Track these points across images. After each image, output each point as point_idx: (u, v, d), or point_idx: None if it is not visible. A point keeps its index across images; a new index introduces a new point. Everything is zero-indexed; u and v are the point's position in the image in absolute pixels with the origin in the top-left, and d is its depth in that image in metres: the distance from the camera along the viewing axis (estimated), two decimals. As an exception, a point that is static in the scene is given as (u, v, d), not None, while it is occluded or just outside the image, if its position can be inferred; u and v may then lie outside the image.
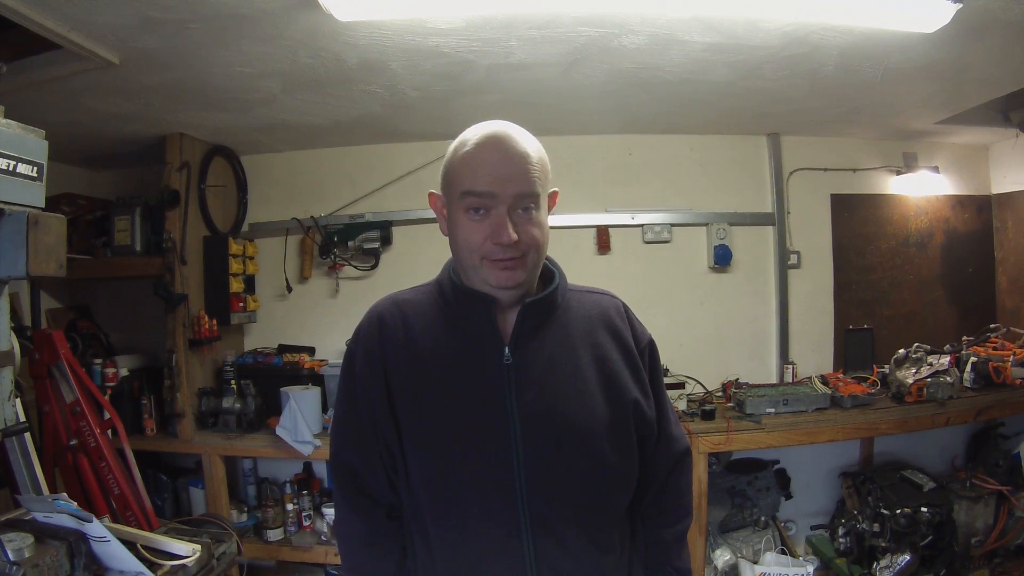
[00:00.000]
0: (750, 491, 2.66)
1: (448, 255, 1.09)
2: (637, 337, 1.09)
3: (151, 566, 1.36)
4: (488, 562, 0.97)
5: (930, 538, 2.27)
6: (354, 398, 1.04)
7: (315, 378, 2.66)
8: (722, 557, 2.45)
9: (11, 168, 1.21)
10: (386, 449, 1.02)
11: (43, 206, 1.28)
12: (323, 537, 2.51)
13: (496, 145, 0.95)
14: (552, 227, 1.04)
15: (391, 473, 1.03)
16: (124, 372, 2.61)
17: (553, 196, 1.04)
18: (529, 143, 0.98)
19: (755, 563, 2.44)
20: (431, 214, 1.13)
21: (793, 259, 2.90)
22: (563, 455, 0.97)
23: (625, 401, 1.02)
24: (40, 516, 1.28)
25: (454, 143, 1.01)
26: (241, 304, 2.71)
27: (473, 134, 0.98)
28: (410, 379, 1.00)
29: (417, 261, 2.80)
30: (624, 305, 1.12)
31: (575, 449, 0.98)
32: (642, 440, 1.06)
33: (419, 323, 1.03)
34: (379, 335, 1.03)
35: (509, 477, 0.95)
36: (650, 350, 1.10)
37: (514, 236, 0.93)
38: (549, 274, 1.07)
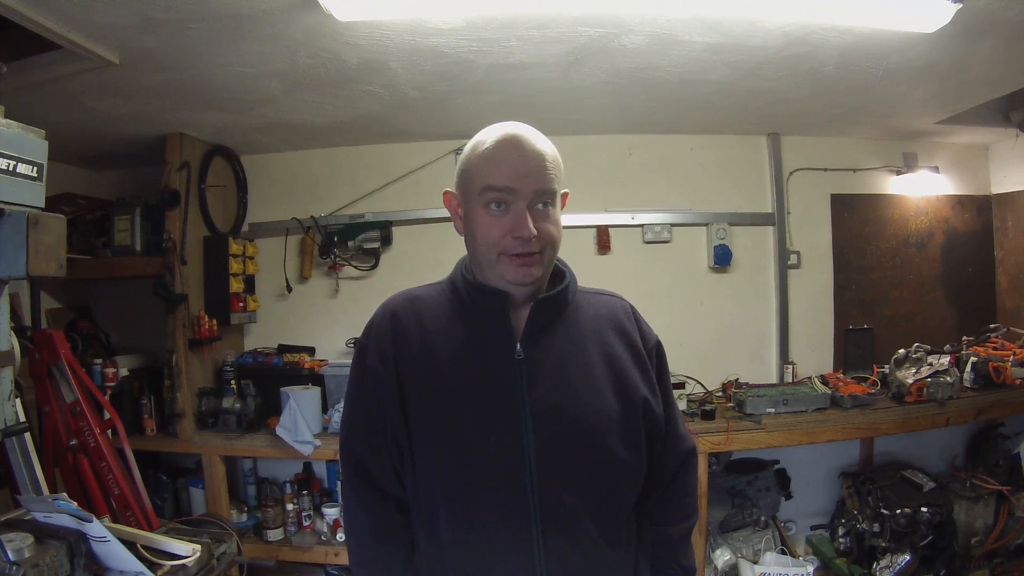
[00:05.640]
0: (750, 491, 2.66)
1: (451, 254, 1.11)
2: (645, 338, 1.11)
3: (151, 566, 1.36)
4: (498, 557, 0.98)
5: (930, 538, 2.27)
6: (365, 392, 1.05)
7: (315, 378, 2.65)
8: (722, 557, 2.45)
9: (11, 168, 1.22)
10: (394, 444, 1.03)
11: (43, 206, 1.28)
12: (323, 537, 2.51)
13: (515, 143, 0.97)
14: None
15: (399, 467, 1.04)
16: (124, 372, 2.60)
17: (564, 197, 1.06)
18: (545, 143, 1.00)
19: (755, 563, 2.44)
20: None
21: (793, 259, 2.90)
22: (574, 451, 0.98)
23: (635, 398, 1.03)
24: (40, 516, 1.28)
25: (471, 143, 1.03)
26: (241, 304, 2.71)
27: (491, 133, 1.00)
28: (422, 375, 1.01)
29: (417, 261, 2.80)
30: (632, 307, 1.14)
31: (586, 445, 0.99)
32: (651, 437, 1.08)
33: (432, 320, 1.04)
34: (392, 331, 1.04)
35: (520, 473, 0.96)
36: (657, 351, 1.12)
37: (534, 231, 0.95)
38: (559, 273, 1.09)
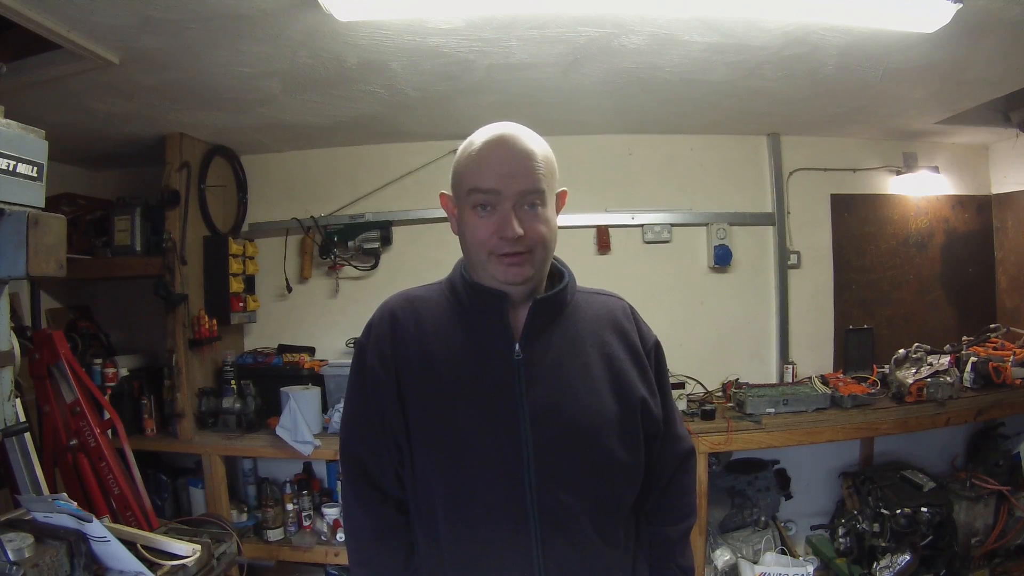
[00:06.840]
0: (750, 491, 2.66)
1: (451, 254, 1.11)
2: (644, 338, 1.11)
3: (151, 566, 1.36)
4: (496, 557, 0.98)
5: (930, 538, 2.27)
6: (364, 392, 1.05)
7: (315, 378, 2.65)
8: (722, 557, 2.45)
9: (11, 168, 1.21)
10: (394, 444, 1.03)
11: (43, 206, 1.27)
12: (323, 537, 2.51)
13: (501, 144, 0.98)
14: (555, 226, 1.05)
15: (398, 468, 1.04)
16: (124, 372, 2.60)
17: (562, 196, 1.06)
18: (535, 142, 1.00)
19: (755, 563, 2.44)
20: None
21: (793, 259, 2.90)
22: (572, 451, 0.99)
23: (633, 399, 1.04)
24: (40, 516, 1.28)
25: (463, 144, 1.03)
26: (241, 304, 2.71)
27: (481, 135, 1.01)
28: (422, 375, 1.01)
29: (417, 261, 2.80)
30: (631, 307, 1.15)
31: (584, 445, 0.99)
32: (649, 438, 1.08)
33: (431, 320, 1.05)
34: (391, 331, 1.05)
35: (519, 473, 0.96)
36: (656, 351, 1.12)
37: (519, 231, 0.95)
38: (558, 274, 1.09)
